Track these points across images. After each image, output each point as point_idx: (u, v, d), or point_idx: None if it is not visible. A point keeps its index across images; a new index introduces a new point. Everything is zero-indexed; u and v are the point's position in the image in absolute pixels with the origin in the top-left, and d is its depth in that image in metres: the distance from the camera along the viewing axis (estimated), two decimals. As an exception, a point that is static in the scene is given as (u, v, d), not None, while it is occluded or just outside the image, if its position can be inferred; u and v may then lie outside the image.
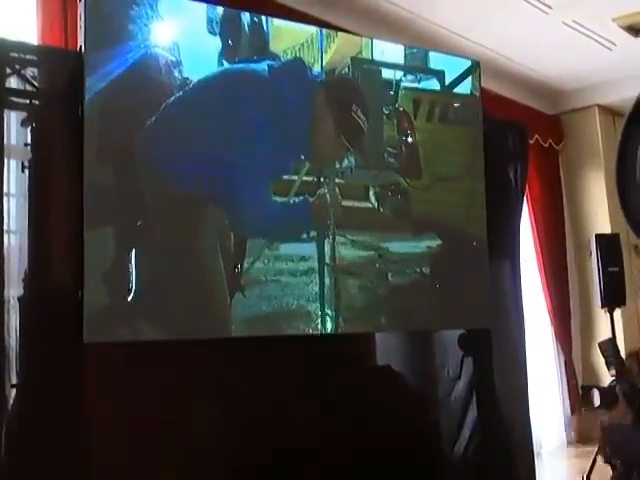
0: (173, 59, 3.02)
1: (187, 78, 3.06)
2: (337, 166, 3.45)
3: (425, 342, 4.01)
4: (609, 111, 6.23)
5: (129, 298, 2.87)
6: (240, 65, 3.25)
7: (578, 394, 5.58)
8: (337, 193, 3.40)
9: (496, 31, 4.92)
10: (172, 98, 3.02)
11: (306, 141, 3.33)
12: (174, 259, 3.01)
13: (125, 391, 2.90)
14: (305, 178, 3.34)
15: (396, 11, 4.56)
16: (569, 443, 5.89)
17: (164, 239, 3.00)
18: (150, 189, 2.98)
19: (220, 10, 3.21)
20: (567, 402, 5.94)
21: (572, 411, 5.89)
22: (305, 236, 3.32)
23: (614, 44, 5.22)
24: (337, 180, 3.42)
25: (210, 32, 3.14)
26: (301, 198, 3.32)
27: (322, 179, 3.38)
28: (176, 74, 3.03)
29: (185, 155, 3.04)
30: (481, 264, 3.85)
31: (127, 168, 2.95)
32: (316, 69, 3.43)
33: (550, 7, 4.67)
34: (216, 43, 3.16)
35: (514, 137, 4.31)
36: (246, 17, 3.27)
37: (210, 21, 3.14)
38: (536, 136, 5.85)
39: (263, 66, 3.27)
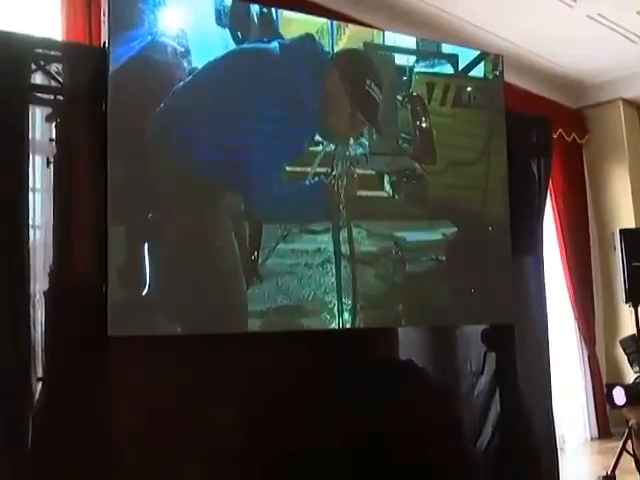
0: (182, 49, 3.00)
1: (196, 68, 3.04)
2: (351, 153, 3.40)
3: (447, 336, 3.96)
4: (633, 105, 6.16)
5: (145, 292, 2.87)
6: (249, 45, 3.21)
7: (602, 389, 5.52)
8: (352, 183, 3.37)
9: (519, 25, 4.87)
10: (181, 83, 2.99)
11: (319, 119, 3.31)
12: (190, 250, 3.00)
13: (146, 384, 2.89)
14: (319, 168, 3.30)
15: (419, 5, 4.52)
16: (592, 439, 5.84)
17: (181, 229, 2.98)
18: (164, 177, 2.96)
19: (229, 1, 3.18)
20: (591, 397, 5.88)
21: (596, 406, 5.83)
22: (320, 228, 3.29)
23: (639, 37, 5.16)
24: (352, 168, 3.38)
25: (219, 24, 3.11)
26: (316, 181, 3.30)
27: (337, 164, 3.34)
28: (185, 64, 3.00)
29: (197, 140, 3.01)
30: (504, 258, 3.79)
31: (141, 158, 2.94)
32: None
33: (574, 0, 4.62)
34: (225, 35, 3.13)
35: (537, 132, 4.27)
36: (255, 9, 3.23)
37: (218, 13, 3.11)
38: (560, 130, 5.78)
39: (274, 44, 3.24)
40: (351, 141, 3.42)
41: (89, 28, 3.05)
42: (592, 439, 5.82)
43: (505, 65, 3.94)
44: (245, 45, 3.20)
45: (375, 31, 3.63)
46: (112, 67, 2.86)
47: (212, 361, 3.04)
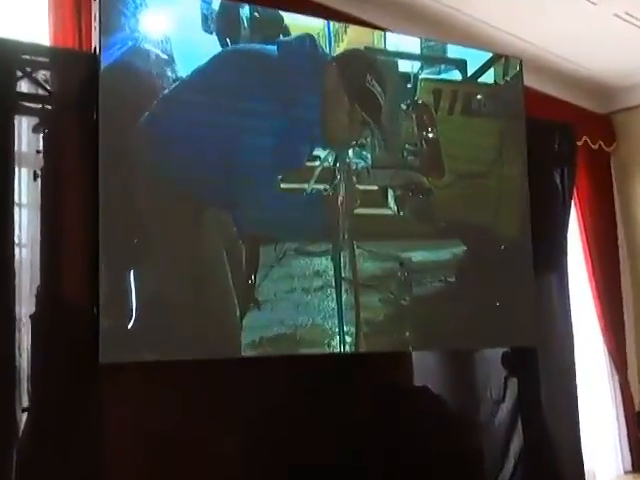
0: (165, 57, 3.01)
1: (181, 77, 3.04)
2: (352, 166, 3.40)
3: (466, 361, 3.96)
4: (665, 109, 6.17)
5: (138, 317, 2.87)
6: (241, 46, 3.21)
7: (635, 418, 5.49)
8: (353, 199, 3.37)
9: (540, 25, 4.87)
10: (165, 91, 2.99)
11: (318, 123, 3.31)
12: (182, 274, 2.99)
13: (139, 414, 2.90)
14: (317, 184, 3.30)
15: (432, 5, 4.54)
16: (626, 472, 5.79)
17: (172, 252, 2.98)
18: (149, 195, 2.96)
19: (216, 5, 3.16)
20: (623, 427, 5.83)
21: (629, 437, 5.79)
22: (318, 249, 3.28)
23: (670, 36, 5.16)
24: (353, 184, 3.38)
25: (205, 30, 3.11)
26: (314, 197, 3.29)
27: (336, 179, 3.34)
28: (169, 73, 3.00)
29: (185, 155, 3.01)
30: (524, 276, 3.80)
31: (131, 174, 2.95)
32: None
33: (599, -3, 4.63)
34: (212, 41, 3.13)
35: (561, 139, 4.31)
36: (245, 12, 3.21)
37: (205, 18, 3.11)
38: (585, 137, 5.77)
39: (270, 45, 3.24)
40: (351, 152, 3.41)
41: (79, 33, 3.05)
42: (626, 472, 5.77)
43: (524, 68, 3.97)
44: (237, 46, 3.19)
45: (376, 34, 3.63)
46: (102, 75, 2.88)
47: (207, 388, 3.03)
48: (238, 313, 3.07)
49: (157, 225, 2.97)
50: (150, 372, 2.93)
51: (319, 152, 3.33)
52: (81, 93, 2.92)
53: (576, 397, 4.09)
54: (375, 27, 3.81)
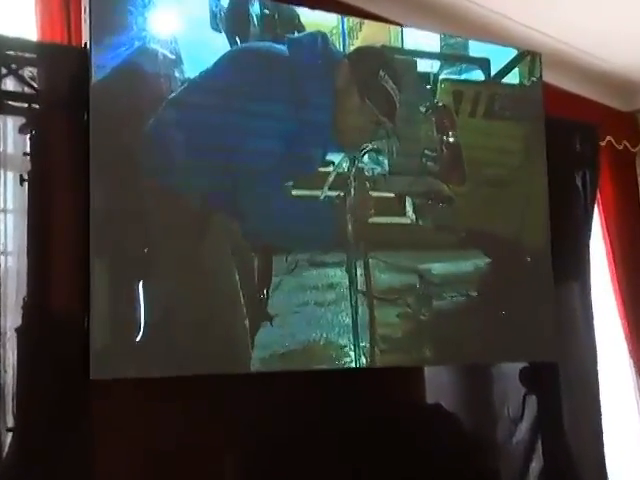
0: (173, 57, 2.98)
1: (188, 78, 3.03)
2: (368, 173, 3.36)
3: (481, 377, 3.91)
4: (694, 107, 6.10)
5: (138, 333, 2.83)
6: (250, 44, 3.18)
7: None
8: (369, 207, 3.34)
9: (560, 17, 4.79)
10: (172, 94, 2.97)
11: (330, 125, 3.28)
12: (186, 286, 2.96)
13: (133, 435, 2.86)
14: (330, 191, 3.27)
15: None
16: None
17: (174, 263, 2.95)
18: (153, 203, 2.93)
19: (225, 1, 3.13)
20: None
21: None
22: (332, 259, 3.24)
23: (703, 28, 5.10)
24: (368, 191, 3.34)
25: (214, 28, 3.09)
26: (327, 205, 3.26)
27: (350, 186, 3.30)
28: (177, 74, 2.99)
29: (189, 159, 2.99)
30: (544, 286, 3.75)
31: (128, 179, 2.91)
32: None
33: (624, -12, 4.58)
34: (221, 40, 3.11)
35: (582, 139, 4.29)
36: (255, 8, 3.18)
37: (214, 15, 3.09)
38: (609, 137, 5.67)
39: (280, 44, 3.21)
40: (366, 158, 3.37)
41: (67, 27, 3.01)
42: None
43: (544, 63, 3.92)
44: (245, 45, 3.17)
45: (392, 30, 3.58)
46: (94, 75, 2.84)
47: (209, 404, 3.00)
48: (248, 327, 3.04)
49: (159, 234, 2.93)
50: (144, 388, 2.88)
51: (333, 157, 3.30)
52: (71, 91, 2.88)
53: (600, 414, 4.05)
54: (388, 21, 3.76)
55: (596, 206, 4.60)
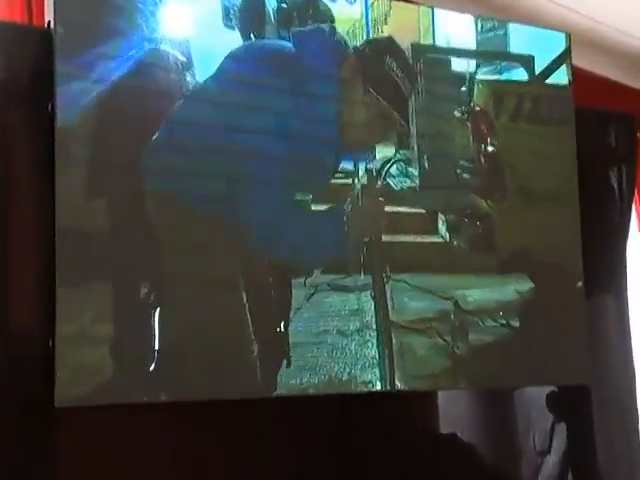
0: (183, 59, 2.94)
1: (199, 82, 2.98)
2: (395, 185, 3.29)
3: (503, 403, 3.88)
4: None
5: (109, 351, 2.76)
6: (252, 43, 3.12)
7: None
8: (396, 224, 3.27)
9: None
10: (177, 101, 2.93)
11: (337, 126, 3.20)
12: (186, 309, 2.91)
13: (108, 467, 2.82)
14: (350, 205, 3.21)
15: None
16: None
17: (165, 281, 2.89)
18: (133, 207, 2.87)
19: None
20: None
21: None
22: (355, 283, 3.17)
23: None
24: (395, 206, 3.28)
25: (227, 25, 3.04)
26: (347, 221, 3.19)
27: (374, 200, 3.24)
28: (189, 78, 2.95)
29: (183, 163, 2.94)
30: (575, 300, 3.70)
31: (97, 178, 2.82)
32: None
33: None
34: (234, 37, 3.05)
35: (618, 132, 4.24)
36: (271, 2, 3.13)
37: (227, 11, 3.03)
38: (649, 129, 5.70)
39: (284, 41, 3.16)
40: (394, 169, 3.29)
41: (28, 4, 2.96)
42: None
43: (576, 45, 3.81)
44: (247, 44, 3.11)
45: (423, 16, 3.48)
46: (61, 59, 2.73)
47: (191, 435, 2.98)
48: (259, 360, 2.98)
49: (138, 243, 2.85)
50: (120, 417, 2.83)
51: (350, 166, 3.23)
52: (31, 78, 2.78)
53: (638, 444, 4.02)
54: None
55: (634, 207, 4.54)
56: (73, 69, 2.76)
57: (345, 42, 3.26)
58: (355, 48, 3.28)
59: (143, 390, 2.83)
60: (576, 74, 3.87)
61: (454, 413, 3.72)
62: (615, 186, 4.19)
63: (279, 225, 3.05)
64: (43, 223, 2.72)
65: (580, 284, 3.68)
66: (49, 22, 2.76)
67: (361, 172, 3.24)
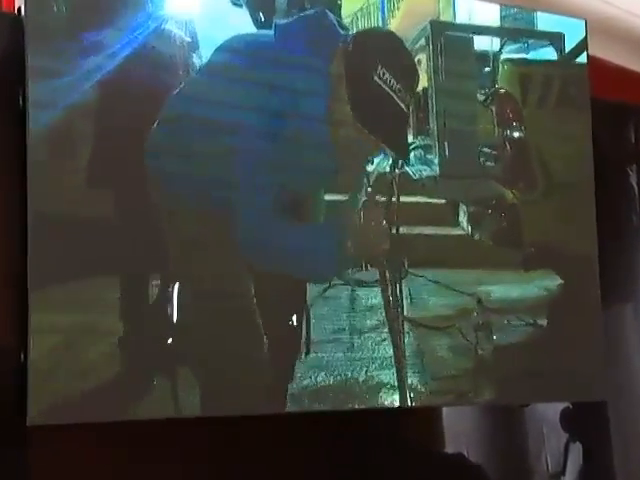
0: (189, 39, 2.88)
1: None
2: (414, 174, 3.24)
3: (512, 420, 3.84)
4: None
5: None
6: (239, 35, 3.02)
7: None
8: (414, 215, 3.22)
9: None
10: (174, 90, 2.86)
11: (326, 134, 3.09)
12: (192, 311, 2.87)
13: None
14: (366, 195, 3.16)
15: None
16: None
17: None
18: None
19: None
20: None
21: None
22: (371, 277, 3.13)
23: None
24: (413, 198, 3.23)
25: (235, 4, 2.97)
26: (362, 211, 3.15)
27: (391, 189, 3.19)
28: (195, 59, 2.89)
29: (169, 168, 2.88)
30: (589, 308, 3.66)
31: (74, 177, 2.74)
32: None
33: None
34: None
35: (637, 125, 4.23)
36: None
37: None
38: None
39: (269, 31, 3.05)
40: (412, 156, 3.24)
41: None
42: None
43: (593, 33, 3.77)
44: (237, 35, 3.00)
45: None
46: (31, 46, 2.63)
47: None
48: (271, 361, 2.97)
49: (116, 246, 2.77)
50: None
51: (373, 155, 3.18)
52: (2, 68, 2.69)
53: None
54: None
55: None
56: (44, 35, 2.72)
57: (337, 32, 3.15)
58: (344, 42, 3.14)
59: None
60: (595, 65, 3.83)
61: (460, 429, 3.68)
62: (634, 184, 4.19)
63: (265, 236, 3.01)
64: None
65: (597, 291, 3.66)
66: (19, 8, 2.71)
67: (386, 163, 3.22)
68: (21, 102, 2.67)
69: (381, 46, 3.20)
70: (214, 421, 2.90)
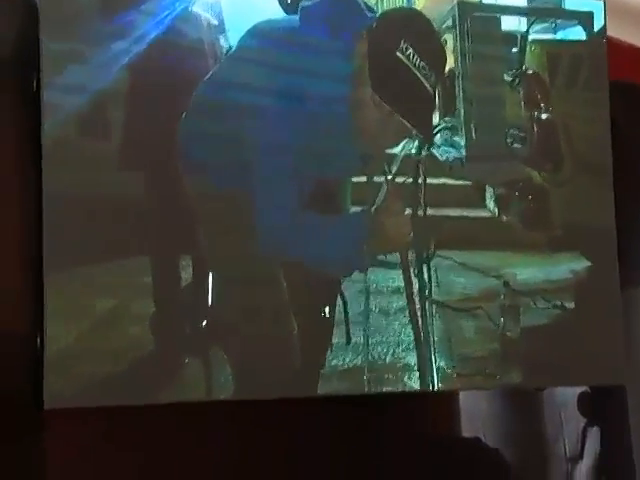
0: (216, 22, 2.88)
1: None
2: (441, 156, 3.24)
3: (530, 404, 3.87)
4: None
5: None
6: (265, 22, 3.02)
7: None
8: (440, 197, 3.24)
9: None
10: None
11: (351, 118, 3.06)
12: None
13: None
14: (391, 176, 3.16)
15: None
16: None
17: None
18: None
19: None
20: None
21: None
22: (397, 259, 3.14)
23: None
24: (440, 177, 3.23)
25: None
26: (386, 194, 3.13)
27: (418, 171, 3.20)
28: (222, 42, 2.90)
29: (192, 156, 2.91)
30: (610, 293, 3.65)
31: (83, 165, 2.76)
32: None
33: None
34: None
35: None
36: None
37: None
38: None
39: (294, 17, 3.01)
40: (438, 137, 3.22)
41: None
42: None
43: (611, 12, 3.70)
44: (265, 20, 2.99)
45: None
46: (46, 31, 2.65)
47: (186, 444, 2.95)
48: (299, 342, 2.98)
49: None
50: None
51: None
52: (15, 56, 2.72)
53: None
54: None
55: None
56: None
57: (362, 14, 3.11)
58: (368, 28, 3.08)
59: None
60: (610, 45, 3.78)
61: (477, 413, 3.73)
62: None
63: (289, 229, 3.03)
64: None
65: (616, 274, 3.65)
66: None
67: (412, 145, 3.23)
68: (35, 85, 2.69)
69: (406, 23, 3.15)
70: (237, 405, 2.92)
